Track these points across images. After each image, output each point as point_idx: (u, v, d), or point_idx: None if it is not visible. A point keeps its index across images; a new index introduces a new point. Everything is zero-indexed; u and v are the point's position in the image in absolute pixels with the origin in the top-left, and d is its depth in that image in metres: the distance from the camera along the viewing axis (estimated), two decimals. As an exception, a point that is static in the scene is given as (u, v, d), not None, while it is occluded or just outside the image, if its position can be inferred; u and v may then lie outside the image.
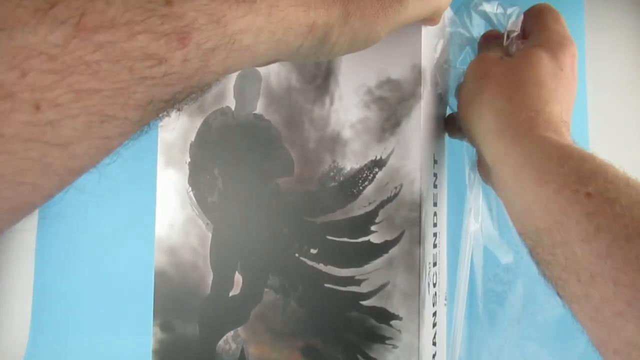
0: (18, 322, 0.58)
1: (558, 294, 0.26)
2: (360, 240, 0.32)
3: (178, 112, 0.20)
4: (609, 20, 0.48)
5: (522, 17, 0.35)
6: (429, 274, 0.33)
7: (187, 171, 0.38)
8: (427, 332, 0.32)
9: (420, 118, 0.31)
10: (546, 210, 0.25)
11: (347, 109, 0.33)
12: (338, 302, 0.32)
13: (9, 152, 0.14)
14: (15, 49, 0.14)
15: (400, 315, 0.31)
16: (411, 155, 0.31)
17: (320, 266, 0.33)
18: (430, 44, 0.33)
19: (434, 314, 0.34)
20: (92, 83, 0.15)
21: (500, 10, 0.35)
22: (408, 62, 0.31)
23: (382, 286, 0.31)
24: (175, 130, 0.38)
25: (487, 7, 0.36)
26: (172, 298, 0.38)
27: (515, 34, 0.34)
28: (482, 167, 0.36)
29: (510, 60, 0.32)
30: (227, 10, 0.18)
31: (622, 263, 0.22)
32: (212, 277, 0.36)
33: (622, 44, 0.48)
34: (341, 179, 0.33)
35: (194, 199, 0.37)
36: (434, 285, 0.34)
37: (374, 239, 0.32)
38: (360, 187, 0.32)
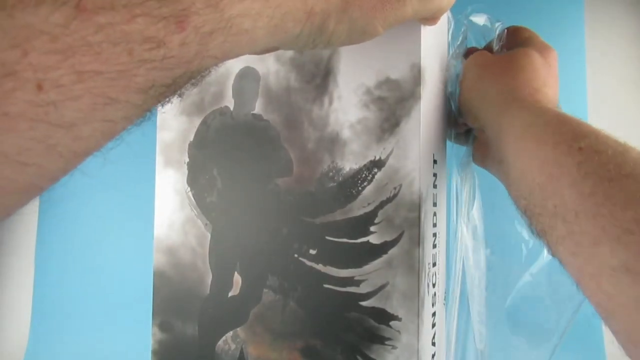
0: (18, 322, 0.58)
1: (546, 244, 0.29)
2: (359, 240, 0.32)
3: (179, 98, 0.20)
4: (609, 20, 0.48)
5: (505, 31, 0.39)
6: (428, 275, 0.32)
7: (186, 171, 0.37)
8: (426, 333, 0.32)
9: (419, 118, 0.31)
10: (543, 165, 0.28)
11: (346, 109, 0.32)
12: (337, 302, 0.32)
13: (13, 131, 0.14)
14: (16, 28, 0.14)
15: (400, 316, 0.31)
16: (410, 155, 0.31)
17: (320, 267, 0.33)
18: (431, 44, 0.33)
19: (433, 314, 0.34)
20: (95, 64, 0.15)
21: (488, 23, 0.39)
22: (407, 62, 0.31)
23: (382, 287, 0.31)
24: (174, 130, 0.38)
25: (477, 19, 0.39)
26: (172, 298, 0.38)
27: (502, 43, 0.38)
28: (479, 150, 0.38)
29: (506, 53, 0.37)
30: None
31: (603, 198, 0.24)
32: (211, 277, 0.36)
33: (622, 44, 0.48)
34: (340, 179, 0.33)
35: (192, 199, 0.37)
36: (434, 285, 0.34)
37: (373, 239, 0.32)
38: (360, 188, 0.32)
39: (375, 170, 0.32)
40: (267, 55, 0.35)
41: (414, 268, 0.31)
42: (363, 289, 0.32)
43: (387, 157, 0.31)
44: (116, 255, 0.56)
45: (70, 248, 0.57)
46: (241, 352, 0.35)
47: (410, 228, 0.31)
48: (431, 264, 0.33)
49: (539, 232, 0.29)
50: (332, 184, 0.33)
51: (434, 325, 0.34)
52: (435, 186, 0.34)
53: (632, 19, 0.48)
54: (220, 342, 0.36)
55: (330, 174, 0.33)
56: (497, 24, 0.39)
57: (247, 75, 0.36)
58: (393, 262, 0.31)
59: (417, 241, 0.31)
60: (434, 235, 0.34)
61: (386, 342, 0.31)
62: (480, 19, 0.39)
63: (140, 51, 0.16)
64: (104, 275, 0.56)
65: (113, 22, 0.15)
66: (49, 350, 0.56)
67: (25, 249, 0.57)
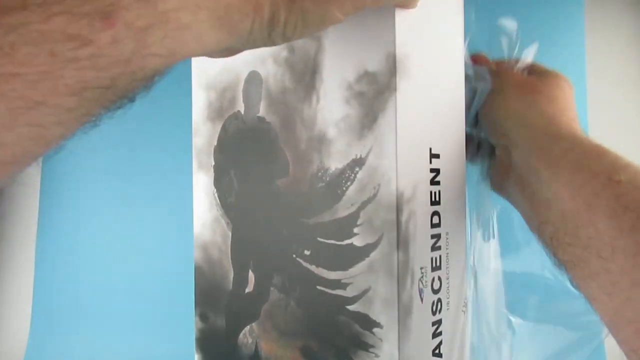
0: (18, 322, 0.61)
1: (573, 278, 0.28)
2: (344, 242, 0.31)
3: (131, 103, 0.20)
4: (609, 20, 0.48)
5: (534, 49, 0.38)
6: (421, 280, 0.30)
7: (213, 174, 0.40)
8: (417, 343, 0.30)
9: (395, 112, 0.28)
10: (578, 193, 0.28)
11: (331, 106, 0.31)
12: (328, 305, 0.32)
13: None
14: None
15: (381, 323, 0.29)
16: (387, 152, 0.29)
17: (313, 268, 0.33)
18: (416, 28, 0.30)
19: (436, 323, 0.31)
20: (9, 67, 0.15)
21: (514, 27, 0.37)
22: (382, 52, 0.29)
23: (365, 291, 0.30)
24: (203, 136, 0.41)
25: (509, 25, 0.37)
26: (206, 291, 0.41)
27: (527, 66, 0.38)
28: (498, 171, 0.36)
29: (539, 78, 0.37)
30: None
31: None
32: (232, 274, 0.39)
33: (622, 44, 0.48)
34: (328, 179, 0.32)
35: (217, 199, 0.40)
36: (435, 291, 0.31)
37: (356, 241, 0.30)
38: (344, 188, 0.31)
39: (357, 169, 0.30)
40: (267, 57, 0.35)
41: (392, 273, 0.29)
42: (349, 292, 0.31)
43: (367, 154, 0.30)
44: (116, 256, 0.58)
45: (70, 248, 0.60)
46: (256, 346, 0.37)
47: (389, 230, 0.29)
48: (428, 269, 0.31)
49: (566, 264, 0.28)
50: (321, 184, 0.32)
51: (437, 334, 0.31)
52: (436, 183, 0.31)
53: (632, 19, 0.48)
54: (241, 335, 0.38)
55: (319, 174, 0.32)
56: (532, 45, 0.38)
57: (252, 79, 0.36)
58: (374, 266, 0.29)
59: (395, 245, 0.28)
60: (435, 237, 0.31)
61: (369, 350, 0.30)
62: (511, 25, 0.37)
63: (63, 51, 0.15)
64: (104, 275, 0.58)
65: (26, 22, 0.15)
66: (49, 350, 0.59)
67: (25, 249, 0.62)
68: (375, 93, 0.29)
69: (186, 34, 0.19)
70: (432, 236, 0.31)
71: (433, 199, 0.31)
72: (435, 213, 0.31)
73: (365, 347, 0.30)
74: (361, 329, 0.30)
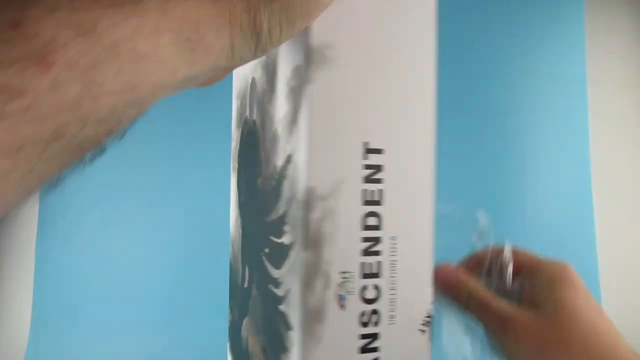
0: (18, 322, 0.61)
1: None
2: (280, 240, 0.30)
3: (101, 153, 0.18)
4: (609, 20, 0.54)
5: (509, 250, 0.35)
6: (342, 285, 0.27)
7: (237, 175, 0.43)
8: (335, 354, 0.27)
9: (309, 104, 0.27)
10: None
11: (280, 104, 0.32)
12: (271, 304, 0.31)
13: None
14: None
15: (293, 326, 0.28)
16: (301, 146, 0.28)
17: (268, 265, 0.33)
18: (338, 18, 0.28)
19: (368, 337, 0.28)
20: None
21: (486, 221, 0.37)
22: (303, 44, 0.28)
23: (288, 291, 0.29)
24: (234, 141, 0.44)
25: (481, 218, 0.37)
26: (232, 285, 0.44)
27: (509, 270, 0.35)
28: None
29: (543, 318, 0.32)
30: (99, 18, 0.15)
31: None
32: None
33: (622, 44, 0.54)
34: (276, 177, 0.32)
35: (237, 199, 0.42)
36: (369, 301, 0.28)
37: (285, 240, 0.30)
38: (282, 186, 0.30)
39: (288, 166, 0.30)
40: (257, 63, 0.37)
41: (299, 274, 0.27)
42: (281, 291, 0.30)
43: (293, 150, 0.29)
44: (114, 256, 0.58)
45: (70, 247, 0.60)
46: (247, 340, 0.38)
47: (300, 229, 0.27)
48: (355, 274, 0.28)
49: None
50: (273, 183, 0.32)
51: (369, 350, 0.28)
52: (376, 180, 0.28)
53: (632, 19, 0.53)
54: (241, 329, 0.40)
55: (271, 172, 0.32)
56: (505, 244, 0.36)
57: (252, 85, 0.39)
58: (293, 265, 0.28)
59: (303, 244, 0.27)
60: (370, 240, 0.28)
61: (286, 353, 0.28)
62: (482, 219, 0.37)
63: None
64: (103, 275, 0.58)
65: None
66: (49, 350, 0.59)
67: (25, 248, 0.62)
68: (299, 86, 0.28)
69: (147, 64, 0.17)
70: (366, 239, 0.28)
71: (369, 198, 0.28)
72: (373, 214, 0.28)
73: (284, 349, 0.29)
74: (285, 330, 0.29)
